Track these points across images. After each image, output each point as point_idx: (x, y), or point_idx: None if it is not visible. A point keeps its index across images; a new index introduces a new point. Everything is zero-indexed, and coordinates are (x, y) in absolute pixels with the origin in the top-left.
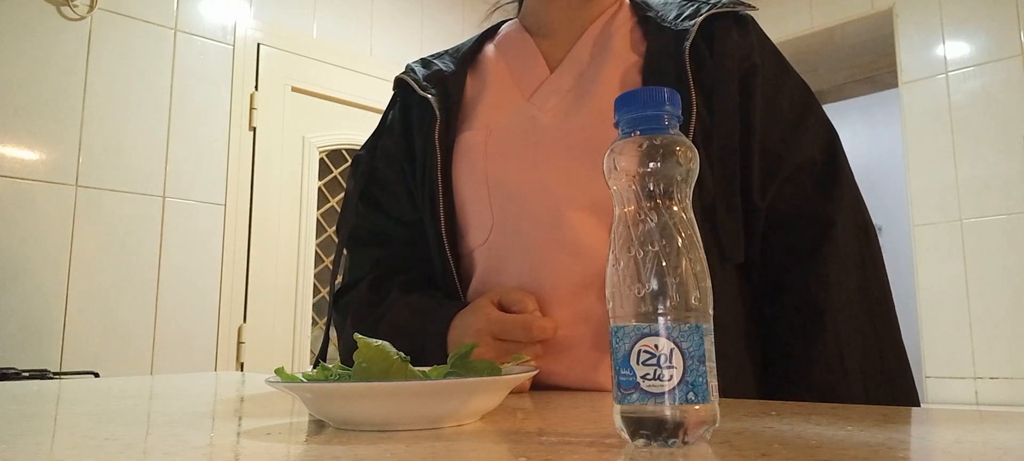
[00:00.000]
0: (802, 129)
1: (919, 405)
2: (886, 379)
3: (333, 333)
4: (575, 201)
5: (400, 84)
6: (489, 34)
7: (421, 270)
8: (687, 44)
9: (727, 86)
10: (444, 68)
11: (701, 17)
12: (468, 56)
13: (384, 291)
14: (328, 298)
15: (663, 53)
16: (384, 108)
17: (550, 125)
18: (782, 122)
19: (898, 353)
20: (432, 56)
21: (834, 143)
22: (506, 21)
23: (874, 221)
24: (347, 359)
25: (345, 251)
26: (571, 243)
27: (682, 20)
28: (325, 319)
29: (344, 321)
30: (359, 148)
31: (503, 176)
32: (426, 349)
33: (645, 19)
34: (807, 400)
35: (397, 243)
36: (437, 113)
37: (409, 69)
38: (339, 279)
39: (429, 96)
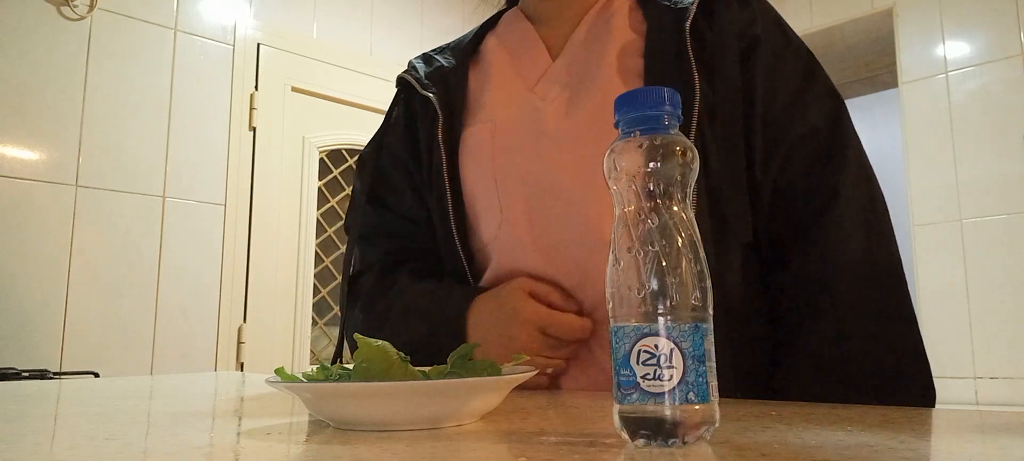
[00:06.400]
0: (805, 99)
1: (930, 373)
2: (892, 348)
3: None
4: (583, 188)
5: (402, 83)
6: (490, 24)
7: (430, 261)
8: (687, 23)
9: (729, 62)
10: (445, 64)
11: None
12: (469, 49)
13: (394, 277)
14: (335, 306)
15: (663, 33)
16: (384, 108)
17: (554, 114)
18: (784, 93)
19: (907, 320)
20: (434, 51)
21: (839, 111)
22: (506, 10)
23: None
24: (351, 344)
25: (355, 249)
26: (582, 232)
27: None
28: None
29: (353, 308)
30: (364, 146)
31: (510, 168)
32: (442, 331)
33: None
34: (811, 373)
35: (406, 238)
36: (439, 112)
37: (411, 66)
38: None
39: (430, 95)
